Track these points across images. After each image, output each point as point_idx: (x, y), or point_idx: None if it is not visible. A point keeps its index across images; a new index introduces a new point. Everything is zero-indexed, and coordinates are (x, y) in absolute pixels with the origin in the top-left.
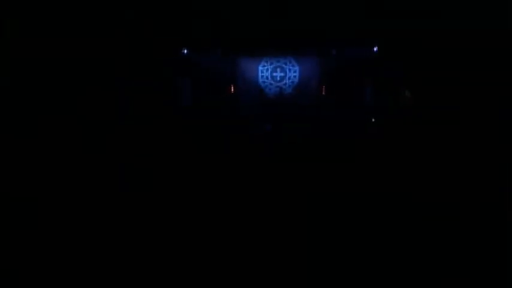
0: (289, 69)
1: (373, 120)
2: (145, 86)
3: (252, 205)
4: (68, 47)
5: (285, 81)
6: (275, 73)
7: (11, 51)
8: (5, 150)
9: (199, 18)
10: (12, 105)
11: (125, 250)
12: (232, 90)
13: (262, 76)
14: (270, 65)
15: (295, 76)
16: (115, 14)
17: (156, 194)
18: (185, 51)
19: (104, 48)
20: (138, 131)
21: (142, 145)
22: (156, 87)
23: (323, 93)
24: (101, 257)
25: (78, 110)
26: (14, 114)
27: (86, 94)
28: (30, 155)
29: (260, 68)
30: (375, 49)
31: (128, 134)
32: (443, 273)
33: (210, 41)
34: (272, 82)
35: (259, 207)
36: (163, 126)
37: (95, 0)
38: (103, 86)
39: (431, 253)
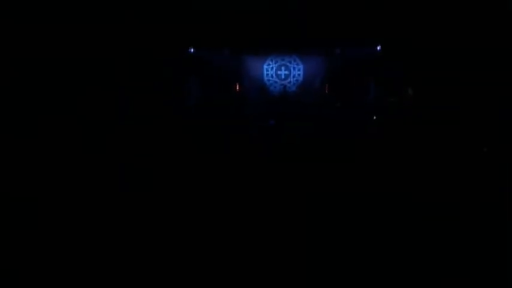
0: (294, 68)
1: (374, 118)
2: (145, 86)
3: (253, 205)
4: (68, 46)
5: (289, 80)
6: (280, 71)
7: (11, 51)
8: (5, 151)
9: (205, 18)
10: (12, 105)
11: (125, 250)
12: (238, 88)
13: (267, 74)
14: (275, 63)
15: (299, 74)
16: (116, 13)
17: (156, 194)
18: (192, 50)
19: (104, 48)
20: (138, 131)
21: (143, 145)
22: (156, 86)
23: (326, 91)
24: (101, 257)
25: (78, 110)
26: (14, 114)
27: (86, 94)
28: (30, 155)
29: (265, 66)
30: (378, 48)
31: (127, 134)
32: (443, 273)
33: (216, 40)
34: (277, 80)
35: (260, 207)
36: (164, 125)
37: (97, 0)
38: (103, 86)
39: (431, 253)
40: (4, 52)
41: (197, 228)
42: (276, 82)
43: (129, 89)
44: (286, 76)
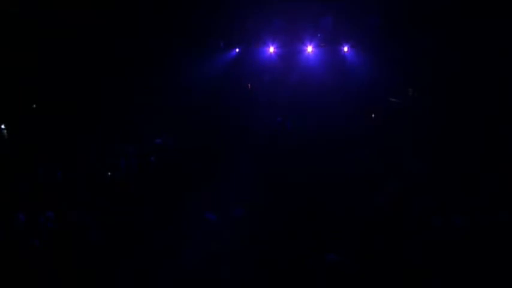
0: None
1: (373, 116)
2: (147, 85)
3: (253, 204)
4: (68, 46)
5: (299, 77)
6: (291, 69)
7: (11, 50)
8: (4, 150)
9: (215, 16)
10: (12, 105)
11: (124, 250)
12: (249, 87)
13: (276, 73)
14: (286, 62)
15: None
16: (118, 12)
17: (156, 194)
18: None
19: (104, 48)
20: (139, 130)
21: (144, 144)
22: (157, 86)
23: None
24: (101, 257)
25: (78, 110)
26: (14, 113)
27: (86, 94)
28: (30, 155)
29: (276, 65)
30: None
31: (129, 134)
32: (443, 273)
33: (227, 38)
34: (287, 78)
35: (260, 206)
36: (165, 125)
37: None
38: (103, 86)
39: (431, 253)
40: (4, 52)
41: (198, 227)
42: (286, 80)
43: (130, 89)
44: (297, 74)
